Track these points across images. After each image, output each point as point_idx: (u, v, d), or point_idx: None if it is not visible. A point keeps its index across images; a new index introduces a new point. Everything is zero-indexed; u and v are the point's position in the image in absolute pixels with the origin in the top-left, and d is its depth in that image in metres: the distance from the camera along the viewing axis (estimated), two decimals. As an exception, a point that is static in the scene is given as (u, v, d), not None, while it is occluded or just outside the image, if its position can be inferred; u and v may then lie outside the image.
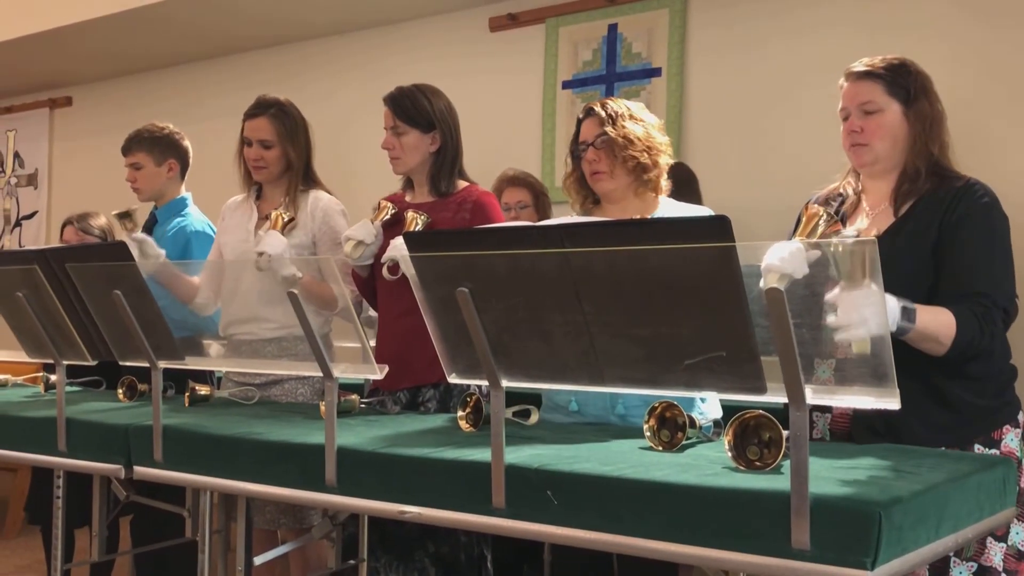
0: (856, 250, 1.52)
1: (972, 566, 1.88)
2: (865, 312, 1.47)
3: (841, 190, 2.13)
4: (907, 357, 1.85)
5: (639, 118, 2.25)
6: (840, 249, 1.53)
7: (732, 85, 3.81)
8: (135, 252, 2.64)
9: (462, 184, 2.58)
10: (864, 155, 2.03)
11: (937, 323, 1.83)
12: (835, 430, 2.02)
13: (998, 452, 1.93)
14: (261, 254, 2.47)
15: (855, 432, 1.98)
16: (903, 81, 2.00)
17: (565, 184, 2.37)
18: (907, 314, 1.78)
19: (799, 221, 1.95)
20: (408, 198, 2.63)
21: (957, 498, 1.52)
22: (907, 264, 1.91)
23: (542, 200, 3.62)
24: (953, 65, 3.26)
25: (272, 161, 2.82)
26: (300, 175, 2.83)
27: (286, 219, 2.64)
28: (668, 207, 2.28)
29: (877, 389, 1.38)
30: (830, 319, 1.52)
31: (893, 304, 1.74)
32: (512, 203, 3.55)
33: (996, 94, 3.25)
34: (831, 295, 1.52)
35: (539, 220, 3.47)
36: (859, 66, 2.04)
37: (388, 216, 2.53)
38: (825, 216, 1.82)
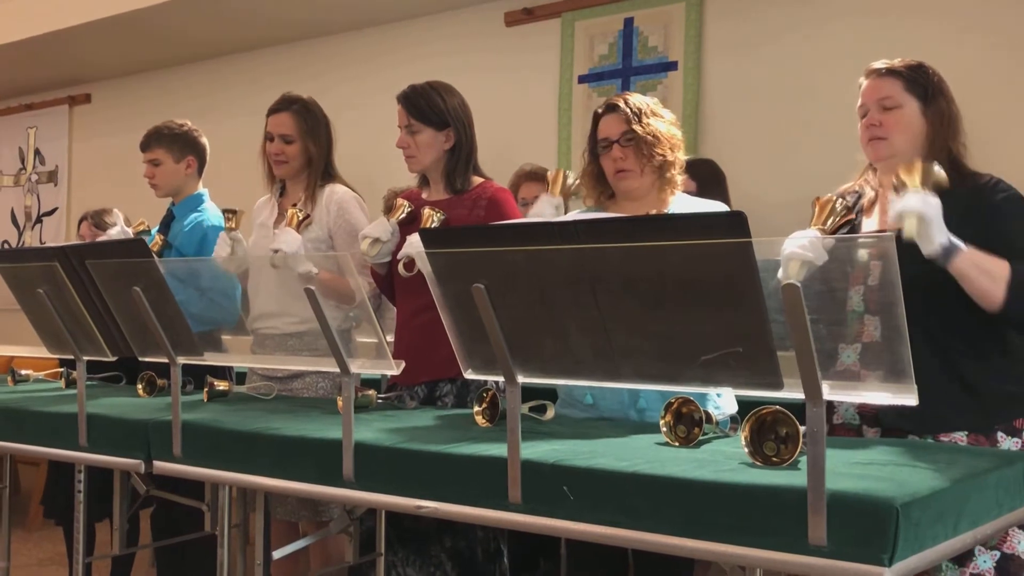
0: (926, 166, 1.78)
1: (996, 554, 1.88)
2: (918, 203, 1.69)
3: (858, 187, 2.14)
4: (936, 337, 1.90)
5: (660, 114, 2.25)
6: (859, 242, 1.54)
7: (749, 78, 3.80)
8: (225, 248, 2.72)
9: (477, 180, 2.59)
10: (882, 149, 2.06)
11: (989, 259, 1.85)
12: (864, 412, 2.02)
13: (1019, 441, 1.93)
14: (276, 251, 2.51)
15: (882, 413, 1.98)
16: (922, 80, 2.05)
17: (581, 179, 2.37)
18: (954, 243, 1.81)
19: (813, 212, 1.97)
20: (424, 195, 2.64)
21: (976, 494, 1.51)
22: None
23: (559, 195, 3.61)
24: (968, 51, 3.24)
25: (292, 156, 2.84)
26: (320, 171, 2.86)
27: (301, 216, 2.66)
28: (681, 203, 2.28)
29: (894, 384, 1.37)
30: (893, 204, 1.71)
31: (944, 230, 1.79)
32: (529, 198, 3.54)
33: (1009, 79, 3.22)
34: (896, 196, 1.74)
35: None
36: (879, 65, 2.09)
37: (404, 215, 2.54)
38: (839, 203, 1.84)
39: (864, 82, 2.10)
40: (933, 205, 1.77)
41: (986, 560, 1.88)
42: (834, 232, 1.94)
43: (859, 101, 2.10)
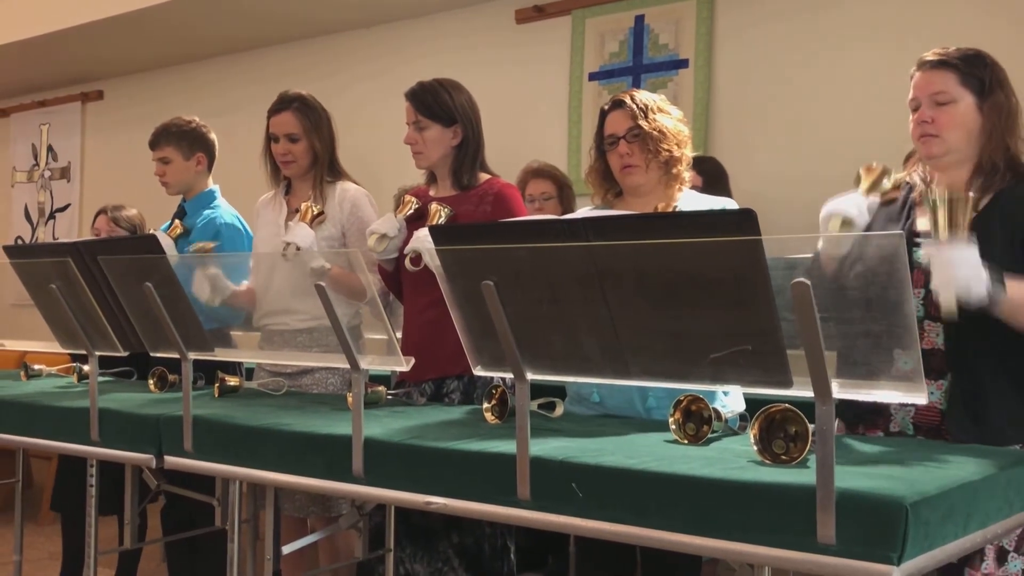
0: (955, 199, 1.73)
1: None
2: (958, 272, 1.66)
3: (908, 178, 2.08)
4: (1005, 353, 1.88)
5: (667, 111, 2.25)
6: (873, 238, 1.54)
7: (759, 76, 3.79)
8: (204, 288, 2.64)
9: (484, 177, 2.59)
10: (934, 146, 1.97)
11: None
12: (920, 424, 1.94)
13: None
14: (288, 244, 2.52)
15: (950, 424, 1.90)
16: (978, 72, 1.95)
17: (588, 176, 2.37)
18: (996, 283, 1.75)
19: (859, 178, 1.98)
20: (431, 192, 2.65)
21: (986, 494, 1.51)
22: (991, 257, 1.83)
23: (566, 192, 3.62)
24: (982, 40, 3.21)
25: (300, 155, 2.85)
26: (326, 166, 2.86)
27: (316, 212, 2.67)
28: (690, 199, 2.28)
29: (905, 383, 1.37)
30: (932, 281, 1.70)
31: (983, 280, 1.73)
32: (536, 194, 3.56)
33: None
34: (926, 252, 1.71)
35: (563, 211, 3.48)
36: (931, 56, 1.98)
37: (412, 211, 2.55)
38: (886, 181, 1.86)
39: (916, 74, 1.99)
40: (969, 261, 1.70)
41: (1017, 565, 1.85)
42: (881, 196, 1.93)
43: (910, 94, 2.00)
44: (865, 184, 1.97)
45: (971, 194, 1.79)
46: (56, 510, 3.64)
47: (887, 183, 1.97)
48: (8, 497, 4.37)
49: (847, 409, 2.01)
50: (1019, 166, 1.96)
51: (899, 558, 1.30)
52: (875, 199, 1.96)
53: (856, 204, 1.91)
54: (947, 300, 1.72)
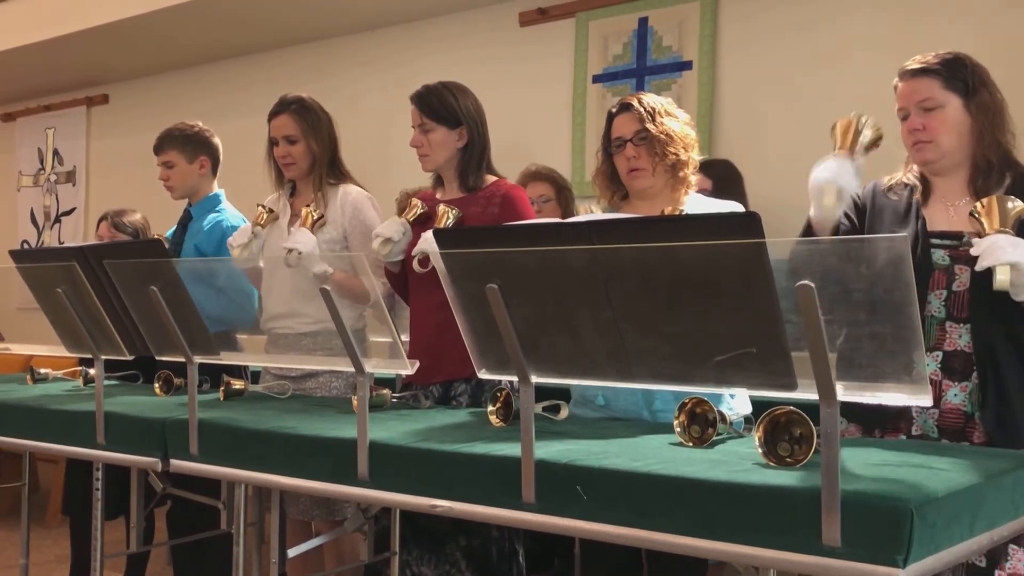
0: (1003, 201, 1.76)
1: None
2: (1008, 249, 1.68)
3: (907, 180, 2.08)
4: None
5: (674, 114, 2.25)
6: (878, 243, 1.53)
7: (763, 78, 3.79)
8: (243, 237, 2.76)
9: (491, 179, 2.60)
10: (928, 152, 1.99)
11: None
12: (944, 427, 1.95)
13: None
14: (290, 251, 2.52)
15: (984, 424, 1.91)
16: (960, 74, 1.97)
17: (595, 179, 2.37)
18: None
19: (834, 140, 2.00)
20: (438, 195, 2.65)
21: (992, 496, 1.51)
22: None
23: (564, 194, 3.63)
24: (987, 46, 3.21)
25: (299, 156, 2.86)
26: (326, 168, 2.87)
27: (316, 216, 2.68)
28: (696, 203, 2.28)
29: (909, 386, 1.37)
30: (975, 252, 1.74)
31: None
32: (535, 197, 3.56)
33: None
34: (976, 245, 1.75)
35: (562, 213, 3.49)
36: (913, 64, 2.01)
37: (417, 214, 2.56)
38: (863, 120, 1.86)
39: (899, 84, 2.02)
40: (1021, 246, 1.72)
41: (1022, 561, 1.85)
42: (867, 151, 1.93)
43: (897, 104, 2.02)
44: (843, 141, 1.97)
45: (1011, 200, 1.79)
46: (68, 514, 3.65)
47: (868, 134, 1.98)
48: (15, 500, 4.38)
49: (865, 413, 1.99)
50: (1016, 165, 1.97)
51: (905, 560, 1.30)
52: (861, 160, 1.96)
53: (846, 172, 1.91)
54: (1003, 272, 1.72)
